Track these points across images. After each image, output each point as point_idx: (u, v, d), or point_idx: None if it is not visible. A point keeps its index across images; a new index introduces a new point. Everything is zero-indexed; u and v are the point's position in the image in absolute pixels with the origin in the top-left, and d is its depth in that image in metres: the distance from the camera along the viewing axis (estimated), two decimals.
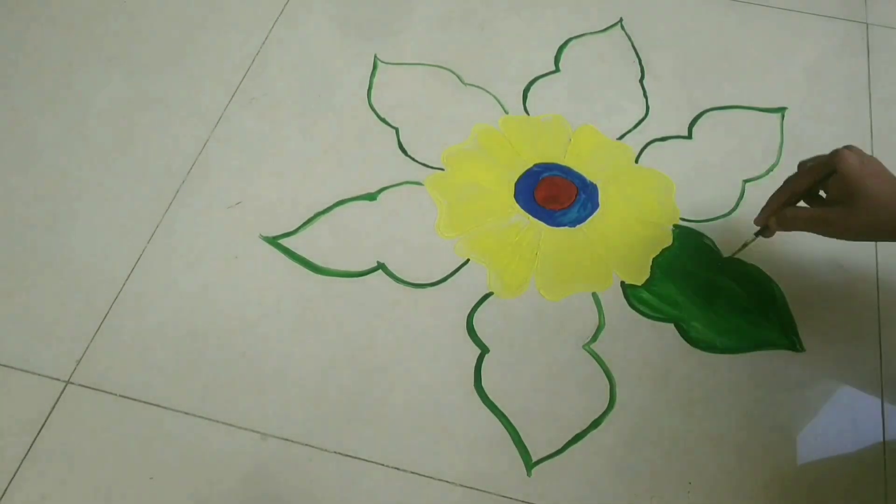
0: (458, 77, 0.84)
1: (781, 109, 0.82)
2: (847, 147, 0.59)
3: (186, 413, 0.63)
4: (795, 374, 0.65)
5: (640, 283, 0.70)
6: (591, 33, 0.88)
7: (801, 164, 0.64)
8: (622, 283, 0.70)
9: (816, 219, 0.59)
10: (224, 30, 0.89)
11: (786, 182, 0.63)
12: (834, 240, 0.72)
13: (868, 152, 0.78)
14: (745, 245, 0.69)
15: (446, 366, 0.66)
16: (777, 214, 0.63)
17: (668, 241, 0.72)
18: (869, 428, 0.63)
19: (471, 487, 0.60)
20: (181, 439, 0.62)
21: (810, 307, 0.69)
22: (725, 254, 0.72)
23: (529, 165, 0.77)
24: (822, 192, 0.63)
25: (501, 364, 0.66)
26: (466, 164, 0.78)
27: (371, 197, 0.75)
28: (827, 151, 0.78)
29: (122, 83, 0.84)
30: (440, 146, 0.79)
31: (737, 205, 0.75)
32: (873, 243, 0.72)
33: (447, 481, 0.60)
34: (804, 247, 0.72)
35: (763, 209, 0.65)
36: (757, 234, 0.67)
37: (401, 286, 0.70)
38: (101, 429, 0.63)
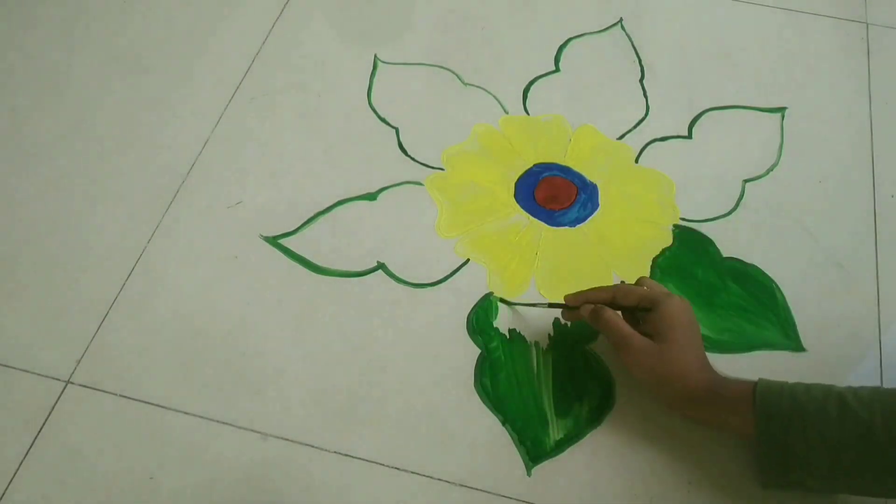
0: (458, 77, 0.84)
1: (781, 109, 0.82)
2: (679, 297, 0.60)
3: (186, 413, 0.63)
4: (795, 374, 0.65)
5: None
6: (591, 33, 0.88)
7: (641, 280, 0.64)
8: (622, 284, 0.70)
9: (625, 335, 0.59)
10: (224, 30, 0.89)
11: (614, 287, 0.62)
12: (833, 240, 0.72)
13: (868, 152, 0.78)
14: (529, 304, 0.67)
15: (446, 366, 0.66)
16: (595, 308, 0.61)
17: (668, 241, 0.72)
18: None
19: (471, 487, 0.60)
20: (181, 439, 0.62)
21: (810, 307, 0.69)
22: (726, 253, 0.72)
23: (529, 165, 0.77)
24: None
25: (502, 364, 0.65)
26: (466, 164, 0.78)
27: (371, 197, 0.75)
28: (828, 151, 0.79)
29: (122, 83, 0.84)
30: (440, 146, 0.79)
31: (737, 205, 0.75)
32: (873, 241, 0.72)
33: (447, 481, 0.60)
34: (804, 247, 0.72)
35: (580, 293, 0.63)
36: (551, 306, 0.65)
37: (401, 286, 0.70)
38: (101, 429, 0.63)
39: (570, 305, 0.64)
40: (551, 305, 0.66)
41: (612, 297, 0.62)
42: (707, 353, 0.66)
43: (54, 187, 0.76)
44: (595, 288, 0.63)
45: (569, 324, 0.67)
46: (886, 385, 0.64)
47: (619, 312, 0.62)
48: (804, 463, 0.53)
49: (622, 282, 0.65)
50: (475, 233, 0.73)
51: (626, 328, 0.60)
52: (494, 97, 0.83)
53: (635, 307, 0.62)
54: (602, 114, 0.81)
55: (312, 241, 0.72)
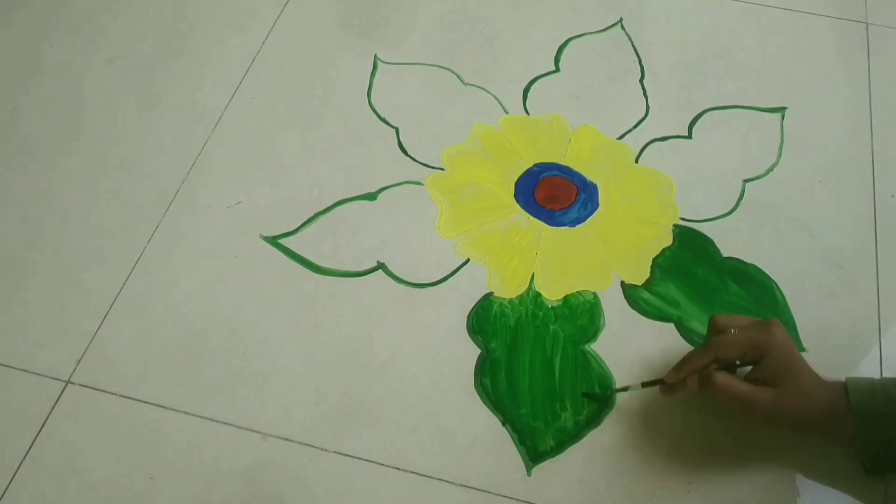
0: (458, 77, 0.84)
1: (781, 109, 0.82)
2: (775, 325, 0.57)
3: (186, 413, 0.63)
4: None
5: (640, 283, 0.70)
6: (591, 33, 0.88)
7: (724, 325, 0.59)
8: (622, 283, 0.70)
9: (746, 396, 0.56)
10: (224, 30, 0.89)
11: (712, 346, 0.58)
12: (833, 240, 0.72)
13: (868, 152, 0.78)
14: (626, 389, 0.63)
15: (446, 366, 0.66)
16: (702, 375, 0.58)
17: (668, 241, 0.72)
18: None
19: (471, 487, 0.60)
20: (181, 439, 0.62)
21: (810, 307, 0.69)
22: (726, 253, 0.72)
23: (529, 165, 0.77)
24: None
25: (501, 364, 0.66)
26: (466, 164, 0.78)
27: (371, 197, 0.75)
28: (828, 151, 0.79)
29: (122, 83, 0.84)
30: (440, 146, 0.79)
31: (737, 205, 0.75)
32: (873, 241, 0.72)
33: (447, 481, 0.60)
34: (804, 247, 0.72)
35: (680, 364, 0.59)
36: (646, 385, 0.62)
37: (401, 286, 0.70)
38: (101, 429, 0.63)
39: (673, 382, 0.60)
40: (646, 384, 0.62)
41: (713, 358, 0.58)
42: None
43: (54, 187, 0.76)
44: (691, 354, 0.59)
45: (569, 324, 0.67)
46: None
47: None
48: None
49: (716, 332, 0.59)
50: (475, 233, 0.73)
51: (745, 387, 0.56)
52: (494, 97, 0.83)
53: (741, 360, 0.58)
54: (602, 114, 0.81)
55: (312, 241, 0.72)
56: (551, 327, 0.67)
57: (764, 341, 0.56)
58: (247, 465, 0.61)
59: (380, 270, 0.71)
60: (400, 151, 0.79)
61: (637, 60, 0.86)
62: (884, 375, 0.65)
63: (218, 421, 0.63)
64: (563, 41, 0.87)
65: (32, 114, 0.82)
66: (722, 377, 0.56)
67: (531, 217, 0.74)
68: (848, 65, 0.86)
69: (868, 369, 0.65)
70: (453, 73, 0.84)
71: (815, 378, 0.57)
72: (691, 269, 0.71)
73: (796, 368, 0.56)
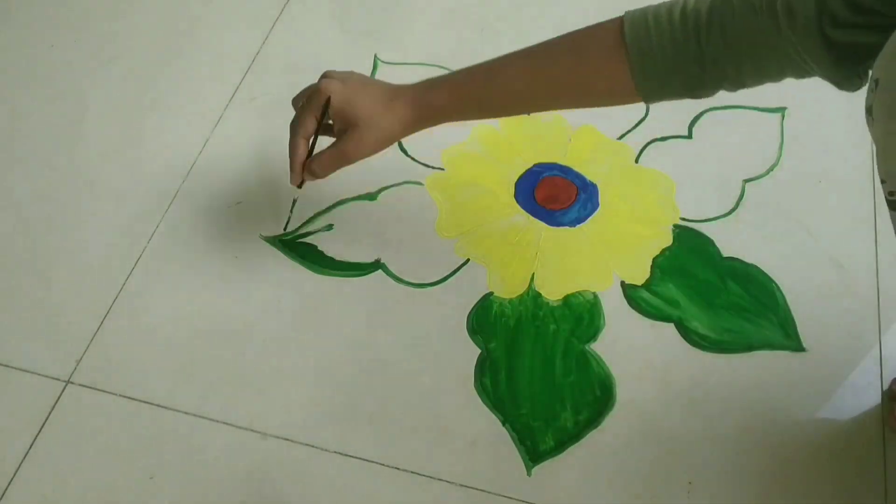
0: None
1: (781, 109, 0.82)
2: (325, 77, 0.60)
3: (186, 413, 0.63)
4: (795, 374, 0.65)
5: (640, 283, 0.70)
6: None
7: (294, 102, 0.63)
8: (622, 283, 0.70)
9: (337, 157, 0.60)
10: (224, 30, 0.89)
11: (294, 131, 0.61)
12: (832, 239, 0.72)
13: (868, 152, 0.78)
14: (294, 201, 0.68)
15: (446, 366, 0.66)
16: (307, 170, 0.62)
17: (668, 241, 0.72)
18: (869, 428, 0.62)
19: (471, 487, 0.60)
20: (181, 439, 0.62)
21: (810, 307, 0.69)
22: (726, 253, 0.72)
23: (529, 165, 0.77)
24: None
25: (501, 364, 0.66)
26: (466, 164, 0.78)
27: (371, 197, 0.75)
28: (827, 150, 0.79)
29: (122, 83, 0.84)
30: (440, 146, 0.79)
31: (737, 205, 0.75)
32: (873, 241, 0.72)
33: (447, 481, 0.60)
34: (804, 247, 0.72)
35: (292, 169, 0.62)
36: (295, 201, 0.67)
37: (401, 286, 0.70)
38: (101, 429, 0.63)
39: (299, 185, 0.63)
40: (295, 201, 0.66)
41: (305, 146, 0.61)
42: (707, 353, 0.67)
43: (54, 187, 0.76)
44: (291, 155, 0.61)
45: (569, 324, 0.67)
46: (887, 384, 0.64)
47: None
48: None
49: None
50: (475, 233, 0.73)
51: (331, 153, 0.60)
52: None
53: (320, 122, 0.61)
54: (602, 114, 0.81)
55: (312, 241, 0.72)
56: (551, 327, 0.67)
57: (316, 101, 0.59)
58: (247, 465, 0.61)
59: (380, 270, 0.71)
60: (400, 151, 0.79)
61: None
62: (884, 375, 0.65)
63: (218, 421, 0.63)
64: None
65: (32, 114, 0.82)
66: (314, 162, 0.61)
67: (531, 217, 0.74)
68: None
69: (868, 369, 0.65)
70: None
71: (382, 98, 0.59)
72: (691, 269, 0.71)
73: (353, 103, 0.59)
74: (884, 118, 0.43)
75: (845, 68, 0.48)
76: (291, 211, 0.69)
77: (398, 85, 0.61)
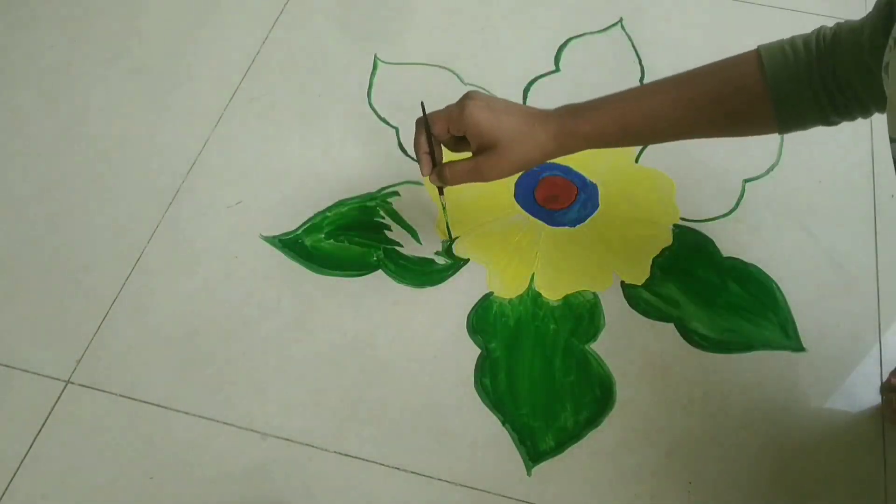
0: (458, 77, 0.84)
1: None
2: (469, 98, 0.59)
3: (186, 413, 0.63)
4: (795, 374, 0.65)
5: (640, 283, 0.70)
6: (591, 33, 0.88)
7: (421, 124, 0.62)
8: (622, 283, 0.70)
9: (472, 171, 0.60)
10: (224, 30, 0.89)
11: (418, 127, 0.61)
12: (832, 239, 0.72)
13: (868, 152, 0.78)
14: (444, 208, 0.68)
15: (446, 366, 0.66)
16: (437, 172, 0.62)
17: (668, 241, 0.72)
18: (869, 428, 0.63)
19: (471, 487, 0.60)
20: (181, 439, 0.62)
21: (810, 307, 0.69)
22: (726, 253, 0.72)
23: None
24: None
25: (501, 364, 0.66)
26: None
27: (371, 197, 0.75)
28: (827, 149, 0.79)
29: (122, 83, 0.84)
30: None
31: (737, 205, 0.75)
32: (873, 241, 0.72)
33: (447, 481, 0.60)
34: (804, 247, 0.72)
35: (419, 161, 0.62)
36: (444, 207, 0.68)
37: (401, 286, 0.70)
38: (101, 429, 0.63)
39: (428, 174, 0.63)
40: (443, 195, 0.66)
41: (422, 132, 0.61)
42: (707, 353, 0.67)
43: (54, 187, 0.76)
44: (415, 141, 0.61)
45: (569, 324, 0.67)
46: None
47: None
48: None
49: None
50: (475, 233, 0.73)
51: (468, 163, 0.60)
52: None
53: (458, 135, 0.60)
54: None
55: (312, 241, 0.72)
56: (551, 327, 0.67)
57: (456, 115, 0.59)
58: (247, 465, 0.61)
59: (380, 270, 0.71)
60: (400, 151, 0.78)
61: (637, 60, 0.86)
62: (883, 376, 0.65)
63: (218, 421, 0.63)
64: (563, 41, 0.87)
65: (32, 114, 0.82)
66: (447, 168, 0.61)
67: (531, 217, 0.74)
68: None
69: (868, 369, 0.65)
70: (453, 73, 0.84)
71: (524, 123, 0.59)
72: (691, 269, 0.71)
73: (496, 126, 0.58)
74: None
75: None
76: (446, 219, 0.70)
77: (541, 110, 0.61)
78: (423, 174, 0.63)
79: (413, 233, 0.72)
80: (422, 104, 0.62)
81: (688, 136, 0.61)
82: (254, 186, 0.76)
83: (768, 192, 0.76)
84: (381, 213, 0.74)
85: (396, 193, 0.75)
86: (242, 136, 0.80)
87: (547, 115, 0.60)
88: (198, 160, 0.78)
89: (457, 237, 0.72)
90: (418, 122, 0.61)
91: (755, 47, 0.55)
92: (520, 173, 0.60)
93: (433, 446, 0.62)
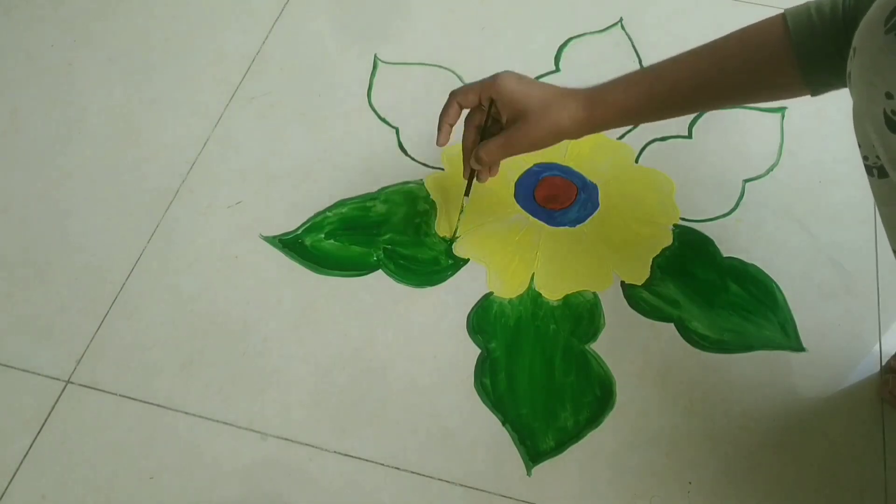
0: (458, 77, 0.84)
1: (781, 109, 0.82)
2: (502, 72, 0.61)
3: (186, 413, 0.63)
4: (795, 374, 0.65)
5: (640, 283, 0.70)
6: (591, 33, 0.88)
7: (455, 96, 0.63)
8: (622, 283, 0.70)
9: (504, 145, 0.61)
10: (224, 30, 0.89)
11: (450, 96, 0.63)
12: (832, 239, 0.72)
13: None
14: (461, 211, 0.70)
15: (446, 366, 0.66)
16: (473, 156, 0.63)
17: (668, 241, 0.72)
18: (869, 428, 0.63)
19: (471, 487, 0.60)
20: (181, 439, 0.62)
21: (810, 307, 0.69)
22: (726, 253, 0.72)
23: (529, 165, 0.77)
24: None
25: (501, 364, 0.66)
26: None
27: (371, 197, 0.75)
28: (827, 150, 0.79)
29: (122, 83, 0.84)
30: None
31: (737, 205, 0.75)
32: (873, 241, 0.72)
33: (447, 481, 0.60)
34: (804, 247, 0.72)
35: (439, 128, 0.64)
36: (468, 188, 0.67)
37: (401, 286, 0.70)
38: (101, 429, 0.63)
39: (471, 175, 0.64)
40: (467, 193, 0.67)
41: (475, 136, 0.62)
42: (707, 353, 0.67)
43: (54, 187, 0.76)
44: (442, 114, 0.63)
45: (569, 324, 0.67)
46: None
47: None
48: None
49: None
50: (475, 233, 0.73)
51: (499, 138, 0.60)
52: None
53: (490, 111, 0.62)
54: None
55: (312, 241, 0.72)
56: (551, 327, 0.67)
57: (489, 83, 0.60)
58: (247, 465, 0.61)
59: (380, 270, 0.71)
60: (400, 151, 0.78)
61: (637, 60, 0.86)
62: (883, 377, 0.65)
63: (218, 421, 0.63)
64: (563, 41, 0.87)
65: (32, 114, 0.82)
66: (480, 149, 0.62)
67: (531, 217, 0.74)
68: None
69: (868, 369, 0.65)
70: (453, 73, 0.84)
71: (555, 93, 0.60)
72: (691, 268, 0.71)
73: (527, 94, 0.60)
74: (858, 82, 0.44)
75: None
76: (459, 220, 0.71)
77: (571, 87, 0.61)
78: (438, 143, 0.64)
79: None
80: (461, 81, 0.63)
81: (716, 103, 0.61)
82: (254, 186, 0.76)
83: (768, 192, 0.76)
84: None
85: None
86: (242, 136, 0.80)
87: (577, 89, 0.61)
88: (198, 160, 0.78)
89: (457, 237, 0.72)
90: (452, 93, 0.63)
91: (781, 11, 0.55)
92: (553, 144, 0.61)
93: (433, 446, 0.62)
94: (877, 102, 0.42)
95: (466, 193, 0.68)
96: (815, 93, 0.56)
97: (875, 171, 0.47)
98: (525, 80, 0.61)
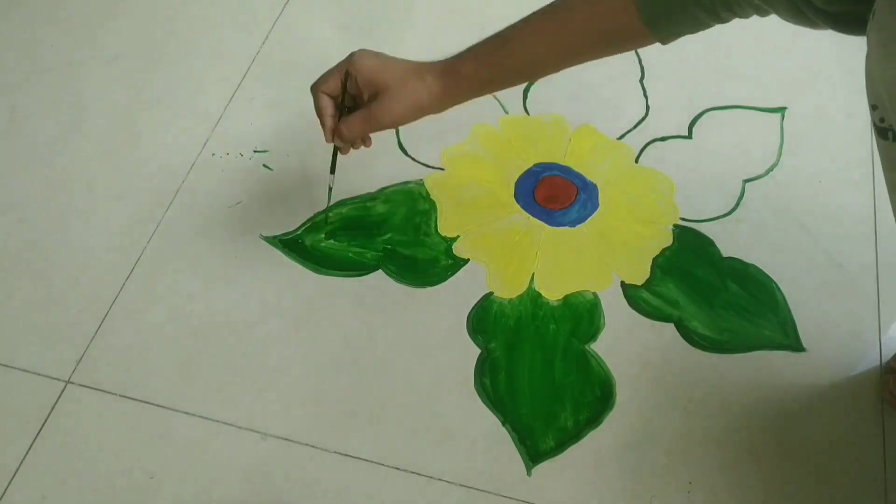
0: None
1: (781, 109, 0.82)
2: (358, 50, 0.61)
3: (186, 413, 0.63)
4: (795, 374, 0.65)
5: (640, 283, 0.70)
6: None
7: (319, 87, 0.62)
8: (622, 283, 0.70)
9: (365, 119, 0.60)
10: (224, 30, 0.89)
11: (315, 89, 0.62)
12: (832, 239, 0.72)
13: (868, 152, 0.78)
14: (330, 189, 0.69)
15: (446, 366, 0.66)
16: (336, 134, 0.62)
17: (668, 241, 0.72)
18: (869, 428, 0.63)
19: (471, 487, 0.60)
20: (181, 439, 0.62)
21: (810, 307, 0.69)
22: (726, 253, 0.72)
23: (529, 165, 0.77)
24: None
25: (501, 364, 0.66)
26: (466, 164, 0.77)
27: (371, 197, 0.75)
28: (827, 150, 0.79)
29: (122, 83, 0.84)
30: (440, 146, 0.79)
31: (737, 205, 0.75)
32: (873, 241, 0.72)
33: (447, 481, 0.60)
34: (804, 247, 0.72)
35: (322, 124, 0.62)
36: (333, 164, 0.66)
37: (401, 286, 0.70)
38: (101, 429, 0.63)
39: (331, 141, 0.63)
40: (332, 170, 0.66)
41: (320, 90, 0.61)
42: (707, 353, 0.67)
43: (54, 187, 0.76)
44: (322, 121, 0.62)
45: (569, 324, 0.67)
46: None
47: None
48: None
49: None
50: (475, 233, 0.73)
51: (359, 114, 0.60)
52: (494, 97, 0.82)
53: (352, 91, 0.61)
54: (602, 114, 0.81)
55: (313, 241, 0.72)
56: (551, 327, 0.67)
57: (346, 63, 0.61)
58: (247, 465, 0.61)
59: (380, 270, 0.71)
60: (400, 151, 0.78)
61: (637, 60, 0.86)
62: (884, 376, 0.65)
63: (218, 421, 0.63)
64: None
65: (32, 114, 0.82)
66: (342, 124, 0.61)
67: (531, 217, 0.74)
68: (848, 65, 0.86)
69: (868, 369, 0.65)
70: None
71: (411, 68, 0.60)
72: (691, 269, 0.71)
73: (384, 69, 0.60)
74: (875, 47, 0.44)
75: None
76: (329, 199, 0.70)
77: (427, 61, 0.62)
78: (326, 140, 0.63)
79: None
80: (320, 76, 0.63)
81: (571, 62, 0.61)
82: (254, 186, 0.76)
83: (768, 192, 0.76)
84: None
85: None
86: (242, 135, 0.80)
87: (432, 62, 0.61)
88: (198, 160, 0.78)
89: (330, 218, 0.73)
90: (313, 87, 0.62)
91: None
92: (413, 121, 0.61)
93: (433, 446, 0.62)
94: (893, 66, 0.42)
95: (332, 171, 0.67)
96: (663, 41, 0.56)
97: (891, 133, 0.46)
98: (381, 57, 0.61)
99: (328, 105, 0.62)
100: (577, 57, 0.61)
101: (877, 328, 0.68)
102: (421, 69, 0.60)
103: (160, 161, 0.78)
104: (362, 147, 0.65)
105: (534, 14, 0.59)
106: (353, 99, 0.62)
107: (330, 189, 0.69)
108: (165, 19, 0.90)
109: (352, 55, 0.61)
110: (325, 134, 0.62)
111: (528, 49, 0.60)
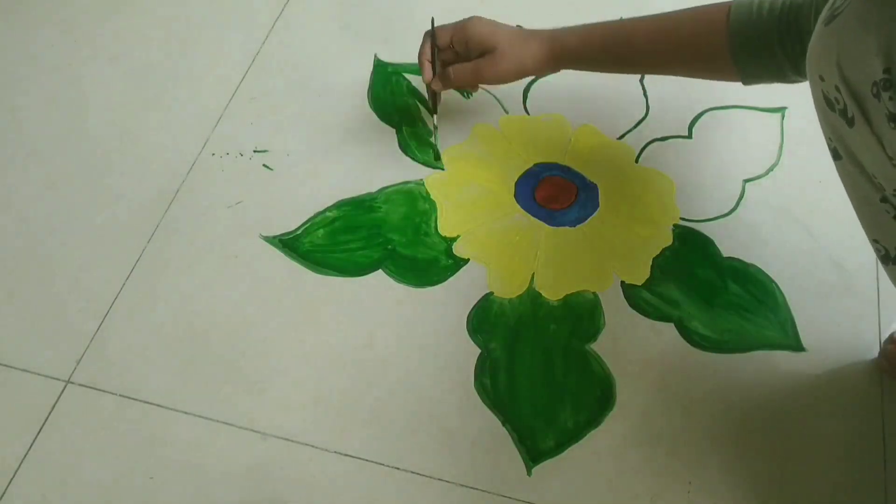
0: None
1: (781, 109, 0.82)
2: (475, 17, 0.69)
3: (186, 413, 0.63)
4: (795, 374, 0.65)
5: (640, 283, 0.70)
6: None
7: (429, 35, 0.71)
8: (622, 283, 0.70)
9: (473, 71, 0.68)
10: (224, 30, 0.89)
11: (425, 35, 0.70)
12: (832, 239, 0.72)
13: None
14: (435, 128, 0.75)
15: (446, 366, 0.66)
16: (440, 75, 0.70)
17: (668, 241, 0.72)
18: (869, 428, 0.63)
19: (471, 487, 0.60)
20: (181, 439, 0.62)
21: (810, 307, 0.69)
22: (726, 253, 0.72)
23: (529, 165, 0.77)
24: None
25: (501, 364, 0.66)
26: (466, 164, 0.78)
27: (371, 197, 0.75)
28: (827, 150, 0.79)
29: (122, 83, 0.84)
30: (440, 146, 0.79)
31: (737, 205, 0.75)
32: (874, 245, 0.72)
33: (447, 481, 0.60)
34: (804, 247, 0.72)
35: (420, 65, 0.70)
36: (434, 107, 0.73)
37: (401, 286, 0.70)
38: (101, 429, 0.63)
39: (429, 82, 0.70)
40: (434, 112, 0.74)
41: (429, 43, 0.69)
42: (707, 353, 0.67)
43: (54, 187, 0.76)
44: (420, 51, 0.70)
45: (569, 324, 0.67)
46: (886, 384, 0.64)
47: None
48: None
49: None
50: (475, 233, 0.73)
51: (469, 64, 0.68)
52: (494, 97, 0.83)
53: (461, 50, 0.69)
54: (602, 114, 0.81)
55: (312, 241, 0.72)
56: (551, 327, 0.67)
57: (461, 24, 0.68)
58: (247, 465, 0.61)
59: (380, 270, 0.71)
60: (400, 151, 0.79)
61: None
62: (883, 376, 0.65)
63: (218, 421, 0.63)
64: None
65: (32, 114, 0.82)
66: (450, 69, 0.69)
67: (531, 217, 0.74)
68: None
69: (868, 368, 0.65)
70: None
71: (521, 34, 0.68)
72: (691, 269, 0.71)
73: (495, 33, 0.67)
74: (809, 73, 0.49)
75: None
76: (435, 139, 0.76)
77: (536, 29, 0.69)
78: (424, 80, 0.70)
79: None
80: (432, 19, 0.71)
81: (662, 68, 0.69)
82: (254, 186, 0.76)
83: (768, 192, 0.76)
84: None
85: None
86: (242, 136, 0.80)
87: (541, 30, 0.68)
88: (198, 160, 0.78)
89: (440, 158, 0.77)
90: (426, 33, 0.70)
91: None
92: (518, 81, 0.69)
93: (433, 446, 0.62)
94: (817, 85, 0.47)
95: (434, 111, 0.73)
96: (746, 82, 0.62)
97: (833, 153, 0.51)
98: (494, 23, 0.68)
99: (428, 51, 0.70)
100: (670, 67, 0.68)
101: (877, 328, 0.68)
102: (529, 36, 0.68)
103: (160, 161, 0.78)
104: (440, 103, 0.74)
105: (647, 16, 0.66)
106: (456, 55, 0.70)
107: (435, 128, 0.75)
108: (165, 19, 0.90)
109: (468, 19, 0.68)
110: (422, 74, 0.70)
111: (633, 44, 0.66)
